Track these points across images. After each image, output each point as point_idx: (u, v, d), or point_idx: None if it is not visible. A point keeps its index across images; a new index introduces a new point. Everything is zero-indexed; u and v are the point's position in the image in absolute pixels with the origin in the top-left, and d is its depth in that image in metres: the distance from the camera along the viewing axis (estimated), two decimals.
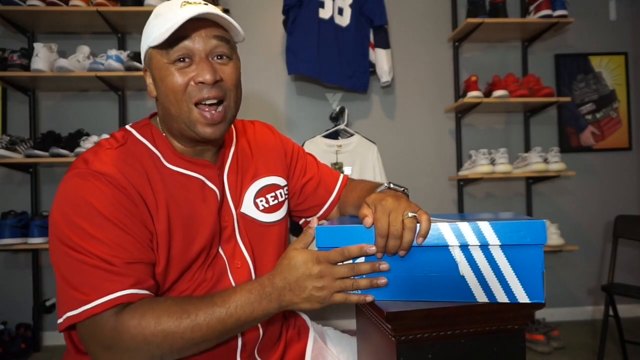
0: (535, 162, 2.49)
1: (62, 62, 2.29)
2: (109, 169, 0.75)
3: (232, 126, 0.96)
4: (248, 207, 0.90)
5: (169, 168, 0.82)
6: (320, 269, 0.71)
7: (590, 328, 2.69)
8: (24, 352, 2.36)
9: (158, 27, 0.75)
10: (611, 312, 2.13)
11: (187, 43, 0.75)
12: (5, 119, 2.59)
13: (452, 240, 0.69)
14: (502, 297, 0.68)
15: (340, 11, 2.59)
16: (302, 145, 2.49)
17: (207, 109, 0.78)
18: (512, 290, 0.68)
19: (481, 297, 0.69)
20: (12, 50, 2.37)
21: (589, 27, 2.88)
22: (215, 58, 0.78)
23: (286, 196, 0.98)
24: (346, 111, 2.55)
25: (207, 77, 0.75)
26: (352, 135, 2.53)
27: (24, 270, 2.55)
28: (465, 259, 0.69)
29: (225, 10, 2.55)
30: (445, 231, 0.69)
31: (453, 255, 0.70)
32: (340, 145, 2.49)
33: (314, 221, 0.76)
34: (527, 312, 0.69)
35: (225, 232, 0.86)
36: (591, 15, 2.89)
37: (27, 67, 2.34)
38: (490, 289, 0.69)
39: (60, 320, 0.71)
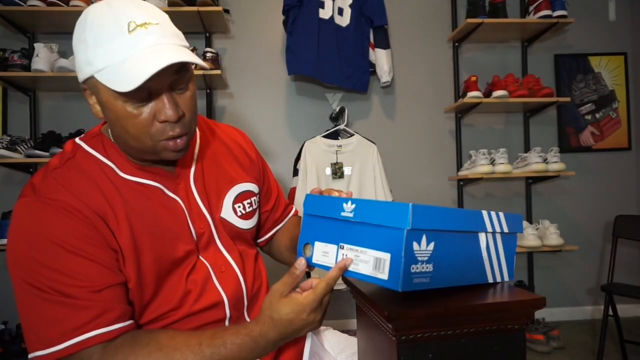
0: (534, 162, 2.50)
1: (63, 62, 2.30)
2: (58, 192, 0.70)
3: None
4: (227, 213, 0.88)
5: (125, 178, 0.77)
6: (315, 314, 0.71)
7: (590, 328, 2.69)
8: (24, 351, 2.36)
9: (104, 59, 0.66)
10: (611, 312, 2.14)
11: (146, 84, 0.65)
12: (5, 119, 2.59)
13: (488, 226, 0.76)
14: (498, 277, 0.80)
15: (340, 11, 2.59)
16: (302, 145, 2.50)
17: (171, 141, 0.73)
18: (502, 270, 0.81)
19: (490, 278, 0.78)
20: (12, 51, 2.37)
21: (588, 27, 2.89)
22: (176, 89, 0.72)
23: (257, 204, 0.97)
24: (346, 111, 2.56)
25: (171, 115, 0.70)
26: (352, 135, 2.53)
27: None
28: (486, 244, 0.77)
29: (226, 11, 2.55)
30: (485, 217, 0.76)
31: (480, 241, 0.76)
32: (340, 146, 2.49)
33: (300, 263, 0.74)
34: (527, 311, 0.69)
35: (202, 240, 0.83)
36: (591, 15, 2.89)
37: (27, 68, 2.34)
38: (494, 270, 0.79)
39: (30, 356, 0.67)
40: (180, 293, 0.78)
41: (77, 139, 0.80)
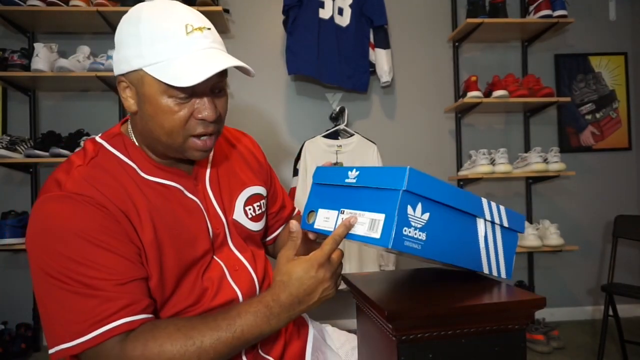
0: (535, 162, 2.50)
1: (63, 62, 2.30)
2: (84, 187, 0.71)
3: None
4: (239, 214, 0.90)
5: (146, 178, 0.79)
6: (324, 270, 0.72)
7: (590, 328, 2.69)
8: (24, 352, 2.36)
9: (159, 55, 0.70)
10: (611, 312, 2.14)
11: (197, 83, 0.71)
12: (5, 119, 2.59)
13: (487, 213, 0.78)
14: (494, 271, 0.81)
15: (340, 11, 2.59)
16: (302, 145, 2.50)
17: (200, 140, 0.77)
18: (499, 266, 0.82)
19: (485, 268, 0.80)
20: (12, 50, 2.37)
21: (588, 27, 2.89)
22: (215, 91, 0.77)
23: (265, 207, 0.99)
24: (346, 111, 2.55)
25: (210, 115, 0.74)
26: (352, 135, 2.53)
27: (24, 270, 2.55)
28: (484, 232, 0.79)
29: (226, 11, 2.55)
30: (484, 204, 0.78)
31: (478, 227, 0.78)
32: (340, 145, 2.49)
33: (293, 224, 0.77)
34: (528, 312, 0.69)
35: (217, 240, 0.85)
36: (591, 15, 2.89)
37: (27, 67, 2.34)
38: (490, 262, 0.80)
39: (52, 351, 0.67)
40: (198, 291, 0.80)
41: (97, 138, 0.82)
